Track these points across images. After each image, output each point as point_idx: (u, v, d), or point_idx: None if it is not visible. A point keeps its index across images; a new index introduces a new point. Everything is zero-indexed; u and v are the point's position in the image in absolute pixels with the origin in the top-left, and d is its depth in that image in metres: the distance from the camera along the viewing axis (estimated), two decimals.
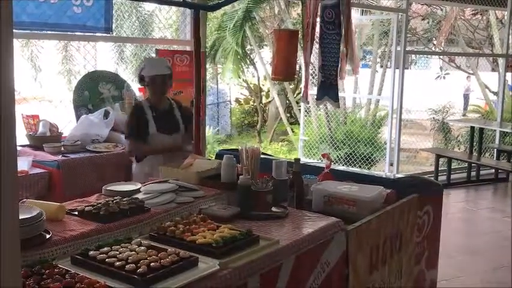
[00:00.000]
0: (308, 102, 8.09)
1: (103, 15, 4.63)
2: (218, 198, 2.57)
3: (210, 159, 3.33)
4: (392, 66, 7.67)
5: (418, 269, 3.15)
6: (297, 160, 2.78)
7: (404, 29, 7.35)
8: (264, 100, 13.93)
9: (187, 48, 5.26)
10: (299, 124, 9.19)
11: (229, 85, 14.04)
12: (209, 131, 11.16)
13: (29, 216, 1.85)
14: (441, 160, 7.95)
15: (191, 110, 4.14)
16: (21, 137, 4.33)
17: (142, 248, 1.84)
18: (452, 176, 7.87)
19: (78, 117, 4.62)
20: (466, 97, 16.58)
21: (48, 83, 10.33)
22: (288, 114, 12.66)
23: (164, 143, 3.71)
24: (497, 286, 4.33)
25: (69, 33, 4.73)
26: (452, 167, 7.95)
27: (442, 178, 7.70)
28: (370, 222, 2.52)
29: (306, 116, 8.80)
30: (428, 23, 12.96)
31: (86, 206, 2.22)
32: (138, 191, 2.52)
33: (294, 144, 11.15)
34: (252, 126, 14.13)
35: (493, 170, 8.05)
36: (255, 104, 13.98)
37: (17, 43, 8.47)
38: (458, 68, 13.88)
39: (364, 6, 8.53)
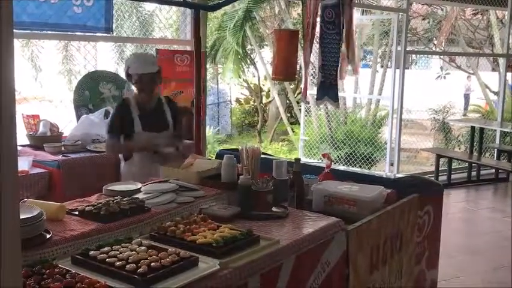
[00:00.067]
0: (308, 102, 8.09)
1: (103, 15, 4.63)
2: (218, 198, 2.57)
3: (210, 159, 3.33)
4: (392, 66, 7.67)
5: (419, 269, 3.15)
6: (297, 160, 2.78)
7: (405, 29, 7.35)
8: (264, 100, 13.93)
9: (188, 48, 5.26)
10: (299, 124, 9.19)
11: (229, 85, 14.03)
12: (209, 131, 11.16)
13: (30, 216, 1.85)
14: (441, 160, 7.95)
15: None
16: (22, 137, 4.33)
17: (143, 247, 1.84)
18: (452, 176, 7.87)
19: (78, 117, 4.63)
20: (467, 97, 16.58)
21: (48, 83, 10.35)
22: (289, 114, 12.66)
23: (153, 141, 3.60)
24: (497, 286, 4.33)
25: (69, 33, 4.73)
26: (452, 167, 7.95)
27: (443, 178, 7.70)
28: (371, 222, 2.52)
29: (306, 115, 8.80)
30: (428, 22, 12.96)
31: (86, 206, 2.22)
32: (138, 190, 2.53)
33: (295, 144, 11.15)
34: (252, 126, 14.13)
35: (494, 170, 8.05)
36: (255, 103, 13.98)
37: (17, 43, 8.48)
38: (459, 67, 13.87)
39: (365, 6, 8.53)
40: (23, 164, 3.69)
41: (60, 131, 4.44)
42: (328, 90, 4.33)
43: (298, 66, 6.27)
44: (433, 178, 6.87)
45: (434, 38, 13.14)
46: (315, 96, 4.56)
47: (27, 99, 8.84)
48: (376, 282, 2.63)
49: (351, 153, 8.68)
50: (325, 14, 4.21)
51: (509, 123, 8.83)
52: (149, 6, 8.67)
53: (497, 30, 10.69)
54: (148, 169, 3.45)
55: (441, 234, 3.36)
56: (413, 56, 15.78)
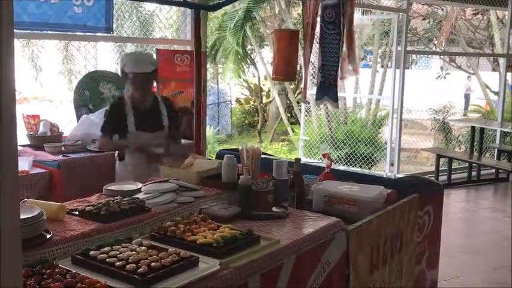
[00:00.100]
0: (308, 102, 8.09)
1: (103, 15, 4.63)
2: (219, 198, 2.57)
3: (210, 159, 3.33)
4: (393, 66, 7.67)
5: (419, 269, 3.15)
6: (298, 160, 2.77)
7: (405, 29, 7.35)
8: (264, 100, 13.93)
9: (188, 48, 5.26)
10: (299, 124, 9.19)
11: (229, 85, 14.03)
12: (210, 131, 11.16)
13: (30, 216, 1.85)
14: (442, 160, 7.95)
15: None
16: (22, 137, 4.34)
17: (143, 247, 1.84)
18: (452, 176, 7.87)
19: (78, 117, 4.63)
20: (467, 97, 16.57)
21: (48, 82, 10.35)
22: (289, 114, 12.66)
23: (145, 141, 3.57)
24: (497, 286, 4.33)
25: (69, 33, 4.73)
26: (452, 167, 7.94)
27: (443, 178, 7.70)
28: (371, 222, 2.52)
29: (306, 115, 8.80)
30: (429, 22, 12.96)
31: (86, 206, 2.22)
32: (138, 190, 2.53)
33: (295, 144, 11.15)
34: (252, 126, 14.13)
35: (494, 170, 8.04)
36: (255, 103, 13.98)
37: (17, 43, 8.48)
38: (459, 67, 13.87)
39: (365, 6, 8.53)
40: (23, 164, 3.70)
41: (60, 131, 4.44)
42: (328, 90, 4.33)
43: (298, 66, 6.27)
44: (433, 178, 6.86)
45: (435, 38, 13.14)
46: (315, 96, 4.55)
47: (27, 99, 8.84)
48: (377, 282, 2.63)
49: (351, 153, 8.68)
50: (325, 14, 4.21)
51: (510, 123, 8.83)
52: (149, 6, 8.68)
53: (498, 30, 10.69)
54: (141, 169, 3.44)
55: (441, 234, 3.36)
56: (414, 56, 15.78)
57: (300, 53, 4.95)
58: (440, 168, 7.89)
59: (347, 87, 9.41)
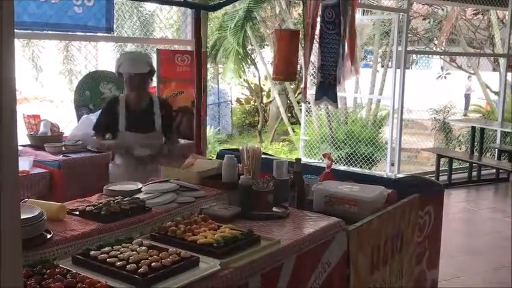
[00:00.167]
0: (308, 102, 8.09)
1: (104, 15, 4.63)
2: (219, 198, 2.57)
3: (211, 159, 3.33)
4: (393, 66, 7.67)
5: (419, 269, 3.14)
6: (298, 160, 2.77)
7: (406, 29, 7.35)
8: (264, 100, 13.93)
9: (188, 48, 5.26)
10: (300, 124, 9.19)
11: (230, 85, 14.04)
12: (210, 131, 11.16)
13: (30, 216, 1.85)
14: (442, 160, 7.95)
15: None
16: (23, 137, 4.34)
17: (144, 247, 1.84)
18: (453, 176, 7.87)
19: (79, 117, 4.63)
20: (467, 97, 16.58)
21: (49, 83, 10.36)
22: (289, 114, 12.66)
23: (134, 142, 3.52)
24: (498, 286, 4.33)
25: (70, 33, 4.73)
26: (453, 167, 7.94)
27: (443, 178, 7.70)
28: (371, 222, 2.52)
29: (306, 115, 8.79)
30: (429, 22, 12.96)
31: (87, 206, 2.22)
32: (139, 190, 2.53)
33: (295, 144, 11.15)
34: (253, 126, 14.13)
35: (494, 170, 8.04)
36: (256, 103, 13.98)
37: (18, 43, 8.48)
38: (459, 67, 13.87)
39: (365, 6, 8.53)
40: (24, 164, 3.70)
41: (60, 131, 4.44)
42: (328, 90, 4.32)
43: (298, 66, 6.27)
44: (433, 178, 6.86)
45: (435, 38, 13.14)
46: (314, 97, 4.55)
47: (28, 99, 8.85)
48: (377, 282, 2.63)
49: (351, 153, 8.67)
50: (325, 14, 4.21)
51: (510, 123, 8.83)
52: (150, 6, 8.68)
53: (498, 30, 10.69)
54: (131, 171, 3.42)
55: (442, 234, 3.36)
56: (414, 56, 15.77)
57: (301, 53, 4.94)
58: (440, 168, 7.88)
59: (347, 87, 9.41)
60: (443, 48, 12.61)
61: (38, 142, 4.23)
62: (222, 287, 1.74)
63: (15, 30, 1.04)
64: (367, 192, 2.67)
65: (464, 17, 12.10)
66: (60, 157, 3.96)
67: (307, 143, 8.71)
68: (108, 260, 1.72)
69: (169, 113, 3.74)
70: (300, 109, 9.53)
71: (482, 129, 8.38)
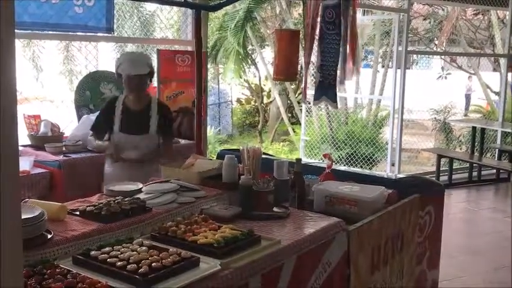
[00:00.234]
0: (309, 103, 8.09)
1: (104, 15, 4.63)
2: (219, 198, 2.57)
3: (211, 159, 3.33)
4: (393, 66, 7.66)
5: (420, 269, 3.14)
6: (298, 160, 2.77)
7: (406, 29, 7.34)
8: (265, 100, 13.93)
9: (189, 49, 5.26)
10: (300, 124, 9.19)
11: (230, 85, 14.04)
12: (210, 131, 11.16)
13: (31, 216, 1.85)
14: (443, 160, 7.95)
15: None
16: (23, 137, 4.34)
17: (144, 248, 1.84)
18: (453, 176, 7.86)
19: (79, 117, 4.63)
20: (468, 97, 16.57)
21: (49, 83, 10.36)
22: (289, 114, 12.66)
23: (127, 143, 3.47)
24: (498, 286, 4.33)
25: (70, 33, 4.73)
26: (453, 167, 7.94)
27: (444, 178, 7.69)
28: (372, 223, 2.52)
29: (307, 116, 8.79)
30: (429, 23, 12.96)
31: (87, 206, 2.22)
32: (139, 191, 2.53)
33: (295, 144, 11.15)
34: (253, 126, 14.13)
35: (495, 170, 8.04)
36: (256, 104, 13.98)
37: (18, 43, 8.48)
38: (460, 68, 13.88)
39: (366, 6, 8.52)
40: (24, 164, 3.70)
41: (61, 131, 4.45)
42: (327, 90, 4.32)
43: (299, 67, 6.28)
44: (434, 178, 6.86)
45: (436, 38, 13.15)
46: (313, 97, 4.54)
47: (28, 99, 8.85)
48: (377, 282, 2.63)
49: (352, 154, 8.67)
50: (325, 14, 4.20)
51: (510, 123, 8.83)
52: (150, 7, 8.68)
53: (498, 31, 10.69)
54: (122, 173, 3.38)
55: (442, 234, 3.36)
56: (415, 56, 15.78)
57: (301, 53, 4.95)
58: (441, 169, 7.88)
59: (348, 88, 9.41)
60: (443, 48, 12.61)
61: (39, 142, 4.23)
62: (223, 287, 1.74)
63: (16, 31, 1.03)
64: (367, 192, 2.67)
65: (464, 17, 12.10)
66: (61, 157, 3.96)
67: (307, 143, 8.71)
68: (108, 260, 1.72)
69: (166, 116, 3.66)
70: (301, 109, 9.53)
71: (482, 130, 8.38)
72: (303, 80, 4.58)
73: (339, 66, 4.22)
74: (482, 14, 11.69)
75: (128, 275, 1.63)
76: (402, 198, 2.86)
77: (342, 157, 8.68)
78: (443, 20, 12.25)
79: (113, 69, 3.72)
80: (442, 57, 14.71)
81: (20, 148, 4.02)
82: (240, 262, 1.85)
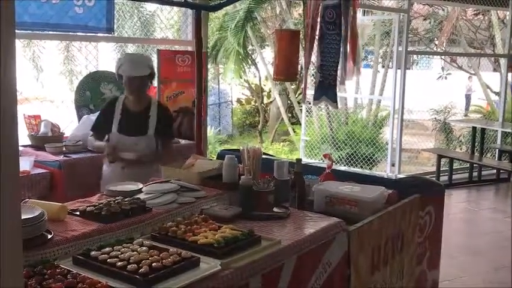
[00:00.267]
0: (309, 103, 8.09)
1: (105, 15, 4.63)
2: (220, 198, 2.57)
3: (211, 160, 3.33)
4: (393, 67, 7.66)
5: (420, 270, 3.14)
6: (299, 160, 2.77)
7: (406, 29, 7.35)
8: (265, 100, 13.93)
9: (189, 49, 5.26)
10: (300, 124, 9.19)
11: (230, 85, 14.04)
12: (211, 131, 11.17)
13: (31, 216, 1.85)
14: (443, 160, 7.95)
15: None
16: (23, 137, 4.34)
17: (144, 248, 1.84)
18: (454, 177, 7.86)
19: (79, 117, 4.63)
20: (468, 97, 16.57)
21: (50, 83, 10.35)
22: (290, 115, 12.66)
23: (125, 144, 3.45)
24: (498, 286, 4.33)
25: (70, 33, 4.72)
26: (453, 168, 7.94)
27: (444, 178, 7.70)
28: (372, 223, 2.52)
29: (307, 116, 8.79)
30: (430, 23, 12.96)
31: (87, 206, 2.22)
32: (139, 191, 2.53)
33: (296, 144, 11.15)
34: (253, 126, 14.13)
35: (495, 171, 8.04)
36: (256, 104, 13.98)
37: (19, 43, 8.48)
38: (460, 68, 13.88)
39: (366, 7, 8.52)
40: (25, 164, 3.70)
41: (61, 131, 4.44)
42: (327, 90, 4.31)
43: (299, 67, 6.27)
44: (434, 178, 6.86)
45: (436, 39, 13.15)
46: (313, 97, 4.54)
47: (28, 99, 8.86)
48: (378, 282, 2.63)
49: (352, 154, 8.67)
50: (326, 14, 4.20)
51: (511, 123, 8.83)
52: (150, 7, 8.68)
53: (499, 31, 10.70)
54: (117, 174, 3.37)
55: (442, 234, 3.36)
56: (415, 56, 15.77)
57: (301, 53, 4.94)
58: (441, 169, 7.89)
59: (348, 88, 9.41)
60: (443, 48, 12.61)
61: (39, 142, 4.23)
62: (223, 287, 1.74)
63: (16, 31, 1.03)
64: (367, 192, 2.67)
65: (464, 17, 12.11)
66: (61, 157, 3.96)
67: (307, 143, 8.71)
68: (108, 260, 1.72)
69: (166, 118, 3.64)
70: (301, 109, 9.53)
71: (482, 130, 8.38)
72: (303, 80, 4.58)
73: (339, 66, 4.21)
74: (483, 14, 11.69)
75: (128, 275, 1.63)
76: (402, 198, 2.86)
77: (342, 157, 8.68)
78: (444, 20, 12.25)
79: (113, 69, 3.72)
80: (442, 57, 14.71)
81: (20, 148, 4.02)
82: (240, 262, 1.85)
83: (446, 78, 16.21)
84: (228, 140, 12.63)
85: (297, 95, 11.92)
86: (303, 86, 4.91)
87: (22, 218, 1.55)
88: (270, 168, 2.65)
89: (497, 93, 10.73)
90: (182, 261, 1.73)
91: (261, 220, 2.32)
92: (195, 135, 4.54)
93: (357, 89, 9.91)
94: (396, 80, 7.32)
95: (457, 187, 7.68)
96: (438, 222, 3.25)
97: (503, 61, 9.30)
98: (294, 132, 11.57)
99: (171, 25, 7.69)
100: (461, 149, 10.32)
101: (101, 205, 2.20)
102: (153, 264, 1.67)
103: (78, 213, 2.19)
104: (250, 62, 11.99)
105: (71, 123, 4.66)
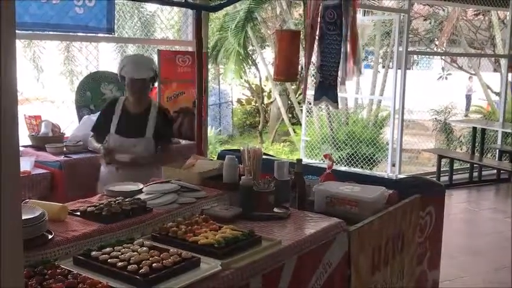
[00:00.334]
0: (309, 103, 8.09)
1: (105, 15, 4.63)
2: (220, 198, 2.57)
3: (212, 160, 3.33)
4: (394, 67, 7.67)
5: (420, 270, 3.14)
6: (299, 161, 2.77)
7: (406, 30, 7.35)
8: (265, 101, 13.93)
9: (189, 49, 5.26)
10: (301, 125, 9.19)
11: (231, 86, 14.04)
12: (211, 132, 11.16)
13: (32, 216, 1.85)
14: (443, 161, 7.95)
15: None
16: (24, 138, 4.34)
17: (145, 248, 1.84)
18: (454, 177, 7.86)
19: (80, 117, 4.63)
20: (468, 98, 16.57)
21: (50, 83, 10.35)
22: (290, 115, 12.66)
23: (123, 146, 3.45)
24: (499, 286, 4.33)
25: (71, 33, 4.73)
26: (454, 168, 7.94)
27: (444, 179, 7.70)
28: (372, 223, 2.51)
29: (307, 116, 8.79)
30: (430, 23, 12.96)
31: (88, 207, 2.22)
32: (140, 191, 2.53)
33: (296, 144, 11.15)
34: (253, 126, 14.13)
35: (495, 171, 8.04)
36: (256, 104, 13.98)
37: (19, 44, 8.48)
38: (460, 68, 13.87)
39: (366, 7, 8.53)
40: (25, 165, 3.70)
41: (62, 131, 4.45)
42: (328, 90, 4.31)
43: (299, 67, 6.28)
44: (434, 179, 6.85)
45: (436, 39, 13.15)
46: (313, 97, 4.55)
47: (29, 99, 8.86)
48: (378, 282, 2.63)
49: (352, 154, 8.67)
50: (326, 14, 4.20)
51: (511, 124, 8.83)
52: (151, 7, 8.67)
53: (499, 31, 10.70)
54: (118, 175, 3.36)
55: (443, 234, 3.36)
56: (415, 56, 15.78)
57: (302, 53, 4.95)
58: (441, 169, 7.88)
59: (348, 88, 9.41)
60: (444, 48, 12.60)
61: (39, 143, 4.23)
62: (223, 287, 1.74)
63: (17, 31, 1.03)
64: (368, 192, 2.67)
65: (465, 18, 12.11)
66: (62, 158, 3.96)
67: (308, 143, 8.71)
68: (109, 260, 1.72)
69: (165, 121, 3.63)
70: (301, 110, 9.53)
71: (483, 130, 8.38)
72: (304, 80, 4.58)
73: (340, 66, 4.21)
74: (483, 15, 11.69)
75: (128, 276, 1.63)
76: (403, 198, 2.86)
77: (343, 157, 8.68)
78: (444, 21, 12.25)
79: (113, 69, 3.72)
80: (443, 57, 14.71)
81: (21, 148, 4.03)
82: (240, 262, 1.85)
83: (446, 78, 16.22)
84: (229, 141, 12.63)
85: (297, 96, 11.92)
86: (303, 86, 4.91)
87: (23, 218, 1.54)
88: (271, 169, 2.65)
89: (497, 94, 10.73)
90: (183, 262, 1.73)
91: (262, 220, 2.32)
92: (196, 136, 4.54)
93: (357, 89, 9.91)
94: (396, 80, 7.32)
95: (458, 187, 7.68)
96: (438, 222, 3.25)
97: (503, 61, 9.30)
98: (295, 132, 11.57)
99: (171, 25, 7.69)
100: (461, 149, 10.31)
101: (102, 205, 2.20)
102: (153, 265, 1.67)
103: (78, 213, 2.19)
104: (250, 63, 12.00)
105: (71, 124, 4.66)
